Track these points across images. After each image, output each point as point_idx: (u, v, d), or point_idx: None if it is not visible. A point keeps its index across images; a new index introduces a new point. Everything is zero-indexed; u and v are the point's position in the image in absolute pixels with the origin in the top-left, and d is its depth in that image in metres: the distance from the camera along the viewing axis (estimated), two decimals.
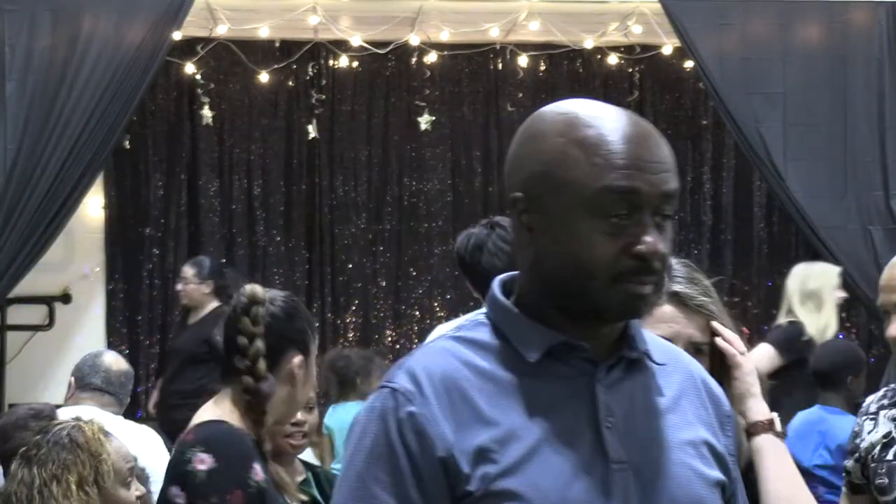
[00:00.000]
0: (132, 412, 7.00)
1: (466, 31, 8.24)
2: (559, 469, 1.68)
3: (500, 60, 9.22)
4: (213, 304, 7.51)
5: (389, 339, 9.28)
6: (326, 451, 6.38)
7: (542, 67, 9.30)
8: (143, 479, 3.63)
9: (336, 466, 6.09)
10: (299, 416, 3.34)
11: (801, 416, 5.72)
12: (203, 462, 2.76)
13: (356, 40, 8.42)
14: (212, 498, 2.74)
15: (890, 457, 3.15)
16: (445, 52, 8.88)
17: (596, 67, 9.27)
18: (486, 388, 1.71)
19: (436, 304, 9.28)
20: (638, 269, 1.69)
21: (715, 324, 2.30)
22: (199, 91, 8.99)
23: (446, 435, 1.68)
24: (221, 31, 8.12)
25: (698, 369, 1.88)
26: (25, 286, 7.16)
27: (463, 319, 1.86)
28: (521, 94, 9.36)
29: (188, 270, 7.70)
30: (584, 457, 1.69)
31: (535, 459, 1.68)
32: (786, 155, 6.84)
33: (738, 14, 6.95)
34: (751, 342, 8.81)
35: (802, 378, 6.03)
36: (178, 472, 2.80)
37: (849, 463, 3.24)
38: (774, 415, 2.29)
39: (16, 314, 8.40)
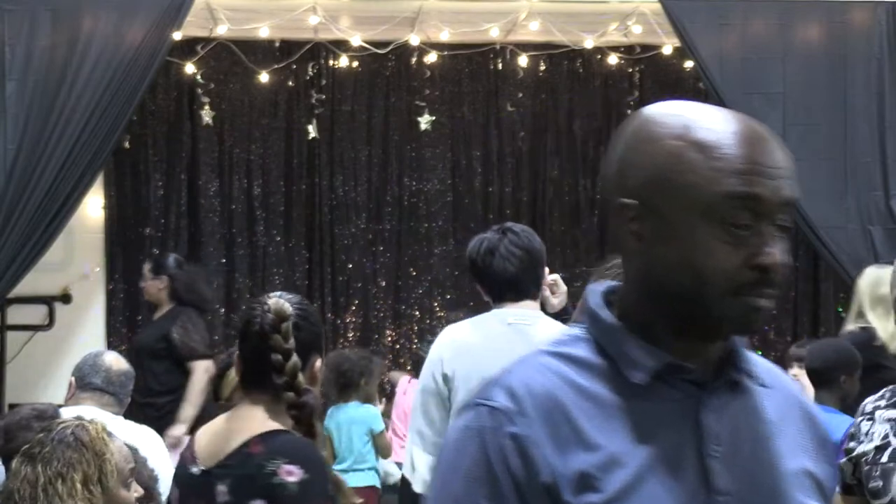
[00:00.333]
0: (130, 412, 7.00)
1: (466, 31, 8.24)
2: (664, 500, 1.57)
3: (500, 60, 9.23)
4: (170, 301, 7.50)
5: (389, 338, 9.29)
6: (327, 452, 6.38)
7: (542, 67, 9.30)
8: (153, 480, 3.62)
9: (336, 468, 6.09)
10: None
11: None
12: (292, 474, 2.75)
13: (356, 40, 8.42)
14: None
15: (884, 459, 3.12)
16: (445, 52, 8.88)
17: (596, 67, 9.28)
18: (588, 408, 1.60)
19: (436, 304, 9.28)
20: (758, 281, 1.59)
21: None
22: (199, 91, 8.99)
23: (551, 459, 1.57)
24: (221, 31, 8.12)
25: (797, 390, 1.78)
26: (25, 286, 7.16)
27: (559, 334, 1.73)
28: (521, 94, 9.36)
29: (145, 267, 7.71)
30: (688, 486, 1.59)
31: (640, 489, 1.57)
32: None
33: (738, 14, 6.95)
34: (750, 341, 8.82)
35: (875, 384, 5.98)
36: (262, 486, 2.77)
37: (841, 460, 3.22)
38: None
39: (16, 314, 8.40)
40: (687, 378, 1.63)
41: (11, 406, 7.31)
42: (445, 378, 4.26)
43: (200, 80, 8.93)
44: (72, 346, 8.13)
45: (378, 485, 6.74)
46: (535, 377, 1.63)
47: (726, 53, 6.90)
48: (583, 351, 1.66)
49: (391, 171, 9.40)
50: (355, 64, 9.07)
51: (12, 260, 6.64)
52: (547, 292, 4.61)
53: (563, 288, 4.69)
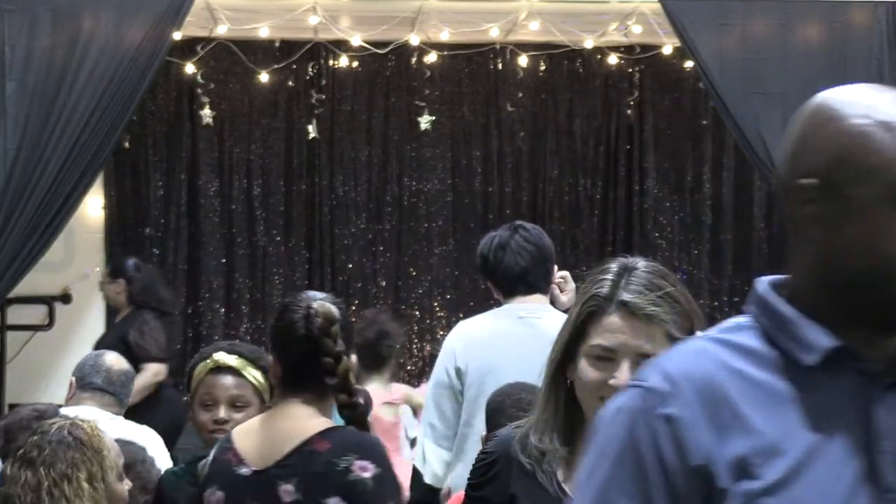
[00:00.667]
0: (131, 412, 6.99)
1: (466, 31, 8.23)
2: (825, 492, 1.50)
3: (500, 60, 9.22)
4: (129, 304, 7.49)
5: None
6: None
7: (542, 67, 9.30)
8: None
9: None
10: (222, 413, 3.35)
11: None
12: (366, 469, 2.78)
13: (356, 40, 8.42)
14: (389, 503, 2.79)
15: None
16: (445, 52, 8.88)
17: (596, 67, 9.27)
18: (750, 394, 1.53)
19: (436, 304, 9.28)
20: None
21: None
22: (199, 91, 8.99)
23: (705, 442, 1.50)
24: (221, 31, 8.12)
25: None
26: (25, 286, 7.16)
27: (722, 323, 1.67)
28: (521, 94, 9.36)
29: (104, 271, 7.70)
30: (850, 481, 1.51)
31: (801, 479, 1.50)
32: None
33: (738, 14, 6.94)
34: None
35: None
36: (336, 483, 2.80)
37: None
38: None
39: (16, 314, 8.40)
40: (859, 369, 1.55)
41: (11, 406, 7.31)
42: (458, 371, 4.31)
43: (200, 80, 8.92)
44: (72, 346, 8.13)
45: None
46: (694, 361, 1.57)
47: (726, 53, 6.90)
48: (748, 339, 1.60)
49: (391, 171, 9.40)
50: (355, 64, 9.07)
51: (12, 260, 6.64)
52: (556, 290, 4.64)
53: (572, 285, 4.72)
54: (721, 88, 6.83)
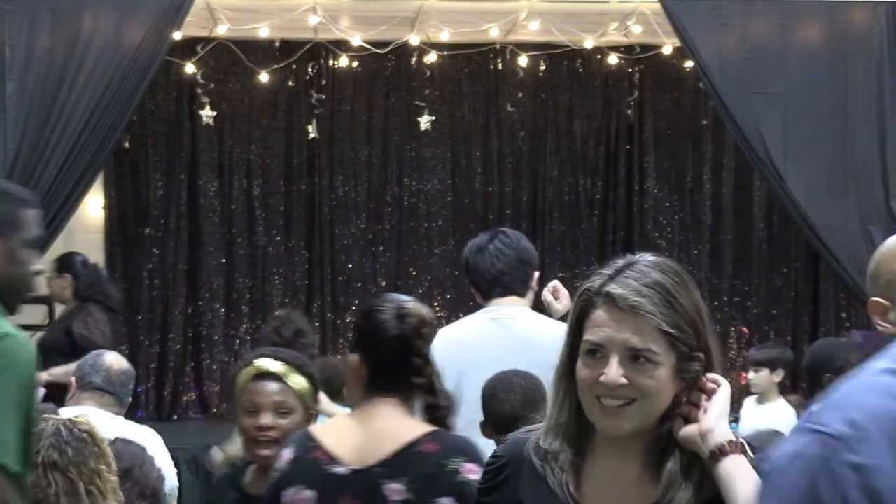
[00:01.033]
0: (132, 412, 7.01)
1: (466, 31, 8.23)
2: None
3: (500, 60, 9.23)
4: (74, 299, 7.49)
5: None
6: None
7: (542, 67, 9.30)
8: (160, 480, 3.59)
9: None
10: (267, 420, 3.34)
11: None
12: (472, 472, 2.80)
13: (356, 40, 8.42)
14: None
15: None
16: (445, 52, 8.88)
17: (596, 67, 9.28)
18: None
19: (436, 304, 9.28)
20: None
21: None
22: (199, 91, 9.00)
23: None
24: (221, 31, 8.12)
25: None
26: None
27: (891, 350, 1.48)
28: (521, 94, 9.36)
29: (50, 266, 7.71)
30: None
31: None
32: (786, 155, 6.83)
33: (738, 14, 6.94)
34: (751, 342, 8.85)
35: None
36: (447, 484, 2.84)
37: None
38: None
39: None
40: None
41: None
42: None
43: (200, 80, 8.93)
44: None
45: None
46: (876, 399, 1.41)
47: (726, 53, 6.89)
48: None
49: (391, 171, 9.40)
50: (355, 64, 9.07)
51: None
52: (549, 297, 4.69)
53: (565, 292, 4.74)
54: (721, 88, 6.83)
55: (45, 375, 6.68)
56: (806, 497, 1.38)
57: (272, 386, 3.39)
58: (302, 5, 7.74)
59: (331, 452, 2.96)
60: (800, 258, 9.41)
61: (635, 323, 2.05)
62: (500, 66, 9.27)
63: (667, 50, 8.72)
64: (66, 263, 7.57)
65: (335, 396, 6.67)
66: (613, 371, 2.04)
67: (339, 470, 2.93)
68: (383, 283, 9.34)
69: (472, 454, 2.89)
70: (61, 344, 7.23)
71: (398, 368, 2.98)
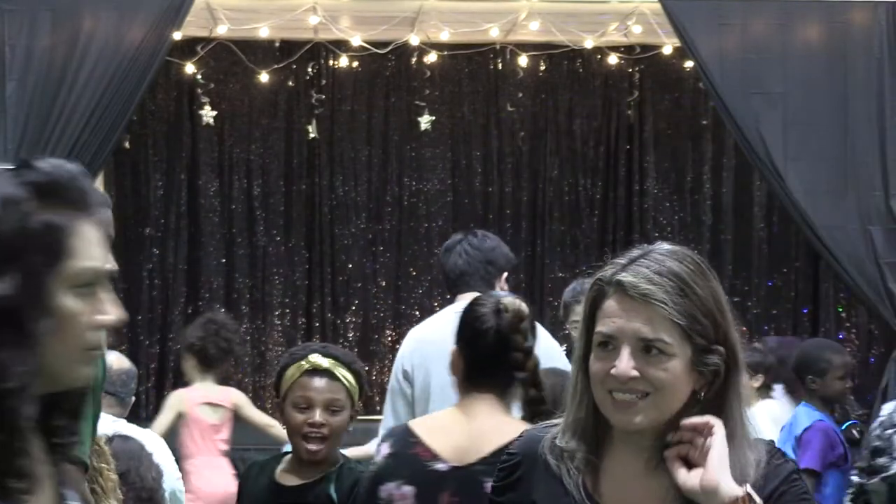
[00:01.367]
0: (133, 413, 7.00)
1: (466, 31, 8.23)
2: None
3: (500, 60, 9.23)
4: None
5: (389, 338, 9.28)
6: None
7: (542, 67, 9.30)
8: (158, 477, 3.58)
9: None
10: (318, 416, 3.33)
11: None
12: None
13: (356, 40, 8.42)
14: None
15: None
16: (445, 52, 8.88)
17: (596, 67, 9.28)
18: None
19: (436, 304, 9.26)
20: None
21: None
22: (199, 91, 9.00)
23: None
24: (221, 31, 8.12)
25: None
26: None
27: None
28: (521, 94, 9.36)
29: None
30: None
31: None
32: (786, 155, 6.83)
33: (738, 14, 6.94)
34: (751, 342, 8.87)
35: None
36: None
37: (873, 482, 2.99)
38: (747, 486, 1.97)
39: None
40: None
41: None
42: (405, 374, 4.42)
43: (200, 80, 8.93)
44: None
45: None
46: None
47: (726, 53, 6.89)
48: None
49: (391, 171, 9.40)
50: (355, 64, 9.07)
51: None
52: None
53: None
54: (721, 88, 6.83)
55: None
56: None
57: (323, 382, 3.37)
58: (302, 5, 7.74)
59: (431, 449, 2.99)
60: (800, 258, 9.41)
61: (646, 312, 1.98)
62: (500, 66, 9.27)
63: (667, 50, 8.72)
64: None
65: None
66: (624, 363, 1.98)
67: (440, 466, 2.98)
68: (383, 283, 9.34)
69: None
70: None
71: (495, 362, 3.01)
